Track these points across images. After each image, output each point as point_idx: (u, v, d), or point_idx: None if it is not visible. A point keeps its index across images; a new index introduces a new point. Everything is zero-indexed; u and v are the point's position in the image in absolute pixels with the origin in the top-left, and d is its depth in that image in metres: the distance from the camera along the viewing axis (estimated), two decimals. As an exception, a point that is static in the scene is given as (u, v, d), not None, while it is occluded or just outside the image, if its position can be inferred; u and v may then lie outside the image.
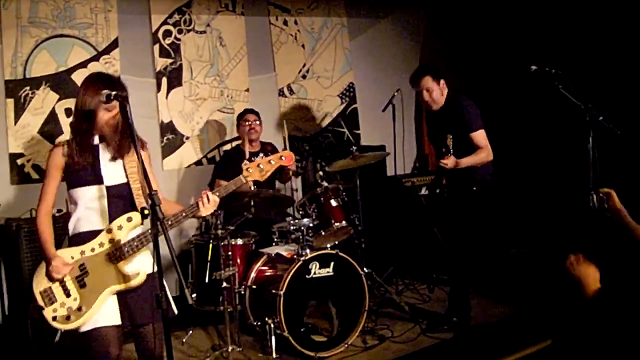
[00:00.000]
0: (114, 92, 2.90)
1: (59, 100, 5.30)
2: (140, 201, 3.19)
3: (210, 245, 4.82)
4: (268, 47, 6.43)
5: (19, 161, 5.13)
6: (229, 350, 4.41)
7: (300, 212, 5.05)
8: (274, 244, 4.97)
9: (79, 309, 3.03)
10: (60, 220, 4.65)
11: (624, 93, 5.49)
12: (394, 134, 5.96)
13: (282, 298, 4.25)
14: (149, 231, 3.00)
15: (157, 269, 2.76)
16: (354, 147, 5.32)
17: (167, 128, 5.81)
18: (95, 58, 5.44)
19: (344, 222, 4.86)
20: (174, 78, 5.84)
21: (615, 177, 4.81)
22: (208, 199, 3.16)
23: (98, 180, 3.15)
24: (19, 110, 5.13)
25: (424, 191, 6.16)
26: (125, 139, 3.17)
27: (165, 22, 5.81)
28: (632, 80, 5.46)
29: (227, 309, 4.44)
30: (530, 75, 4.31)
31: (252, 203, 4.70)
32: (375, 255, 5.77)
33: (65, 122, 5.29)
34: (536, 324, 4.67)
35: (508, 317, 5.05)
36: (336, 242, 4.97)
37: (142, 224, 3.17)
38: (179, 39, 5.87)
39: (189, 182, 5.90)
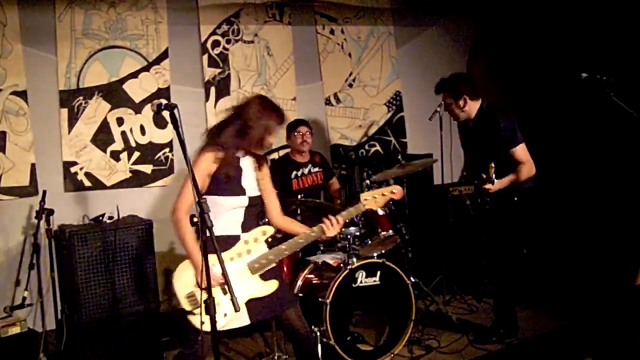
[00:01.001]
0: (164, 103, 2.96)
1: (111, 109, 5.41)
2: (272, 215, 3.62)
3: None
4: (315, 56, 6.47)
5: (72, 169, 5.26)
6: (275, 357, 4.44)
7: (347, 221, 5.03)
8: (320, 252, 4.98)
9: (225, 315, 3.27)
10: (111, 226, 4.77)
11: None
12: (440, 142, 5.92)
13: (328, 306, 4.25)
14: (282, 246, 3.43)
15: (206, 276, 2.81)
16: (401, 156, 5.29)
17: (216, 137, 5.86)
18: (146, 68, 5.55)
19: (390, 231, 4.83)
20: (222, 87, 5.91)
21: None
22: (332, 223, 3.47)
23: (241, 191, 3.41)
24: (73, 120, 5.26)
25: (468, 201, 6.07)
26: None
27: (214, 33, 5.89)
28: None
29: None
30: (581, 83, 4.23)
31: (298, 211, 4.72)
32: (423, 264, 5.73)
33: (116, 130, 5.41)
34: (584, 339, 4.58)
35: (557, 330, 4.96)
36: (383, 251, 4.94)
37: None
38: (227, 49, 5.94)
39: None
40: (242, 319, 3.38)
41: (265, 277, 3.44)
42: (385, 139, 6.80)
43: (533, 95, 5.11)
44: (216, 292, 3.22)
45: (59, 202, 5.03)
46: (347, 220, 3.60)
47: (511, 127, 4.57)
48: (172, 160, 5.62)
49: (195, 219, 2.87)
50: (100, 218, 4.93)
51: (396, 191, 3.62)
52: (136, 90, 5.51)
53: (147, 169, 5.54)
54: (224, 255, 3.25)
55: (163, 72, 5.61)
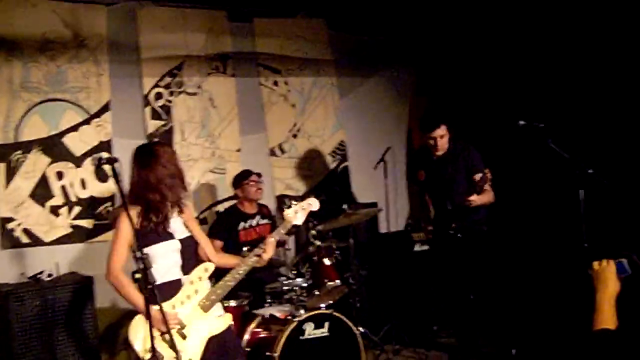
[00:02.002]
0: (105, 156, 2.96)
1: (51, 163, 5.30)
2: (208, 255, 3.70)
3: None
4: (259, 107, 6.49)
5: (9, 225, 5.09)
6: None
7: (294, 272, 5.00)
8: (267, 304, 4.91)
9: None
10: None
11: (615, 144, 5.54)
12: (385, 190, 5.98)
13: (276, 360, 4.17)
14: (226, 279, 3.58)
15: (150, 332, 2.76)
16: (346, 205, 5.31)
17: (159, 189, 5.79)
18: (86, 121, 5.47)
19: (337, 281, 4.81)
20: (166, 140, 5.85)
21: (608, 228, 4.83)
22: (266, 245, 3.68)
23: (169, 236, 3.49)
24: (10, 174, 5.12)
25: (418, 247, 6.11)
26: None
27: (156, 85, 5.86)
28: (623, 132, 5.52)
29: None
30: (519, 130, 4.36)
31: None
32: (372, 314, 5.71)
33: (56, 185, 5.29)
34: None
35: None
36: (330, 302, 4.91)
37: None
38: (170, 101, 5.92)
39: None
40: None
41: (218, 313, 3.57)
42: (330, 188, 6.82)
43: (475, 140, 5.27)
44: (176, 338, 3.23)
45: (-4, 260, 4.87)
46: (278, 239, 3.83)
47: (480, 155, 5.00)
48: (114, 214, 5.51)
49: (137, 275, 2.81)
50: (39, 276, 4.79)
51: (312, 202, 3.97)
52: (77, 143, 5.42)
53: (89, 223, 5.41)
54: (173, 300, 3.38)
55: (104, 125, 5.54)
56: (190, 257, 3.56)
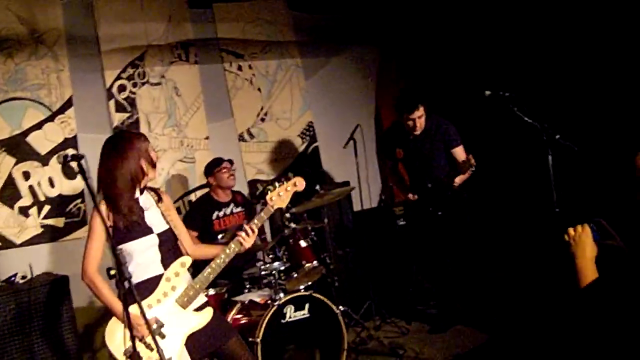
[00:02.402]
0: (71, 154, 2.91)
1: (16, 164, 5.21)
2: (186, 246, 3.56)
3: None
4: (224, 93, 6.44)
5: (-22, 229, 5.01)
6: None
7: (270, 256, 5.00)
8: (246, 290, 4.91)
9: (170, 359, 3.20)
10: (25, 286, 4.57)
11: (581, 109, 5.61)
12: (357, 169, 5.99)
13: (259, 345, 4.18)
14: (205, 272, 3.38)
15: (128, 328, 2.74)
16: (318, 186, 5.31)
17: (129, 183, 5.73)
18: (50, 119, 5.38)
19: (315, 262, 4.82)
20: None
21: (577, 193, 4.90)
22: (247, 232, 3.45)
23: (148, 230, 3.34)
24: (-25, 178, 5.03)
25: (401, 222, 6.14)
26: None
27: (119, 77, 5.78)
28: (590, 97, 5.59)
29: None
30: (486, 100, 4.39)
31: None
32: (352, 292, 5.75)
33: (23, 185, 5.20)
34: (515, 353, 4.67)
35: (487, 344, 5.04)
36: (309, 283, 4.92)
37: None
38: (134, 93, 5.84)
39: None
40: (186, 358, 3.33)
41: (198, 308, 3.43)
42: (301, 170, 6.81)
43: (445, 113, 5.34)
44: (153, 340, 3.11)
45: (-34, 265, 4.79)
46: (260, 225, 3.56)
47: (455, 129, 5.18)
48: (84, 211, 5.44)
49: (112, 272, 2.78)
50: (12, 279, 4.73)
51: (298, 183, 3.70)
52: (41, 141, 5.32)
53: (59, 222, 5.34)
54: (149, 299, 3.27)
55: (68, 121, 5.45)
56: (169, 250, 3.43)
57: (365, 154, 6.33)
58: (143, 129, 5.83)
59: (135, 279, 3.19)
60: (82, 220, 5.41)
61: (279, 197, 3.62)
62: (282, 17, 6.81)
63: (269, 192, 3.67)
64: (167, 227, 3.45)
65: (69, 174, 5.37)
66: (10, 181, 5.18)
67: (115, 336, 3.18)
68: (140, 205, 3.38)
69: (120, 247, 3.15)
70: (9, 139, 5.20)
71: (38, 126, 5.34)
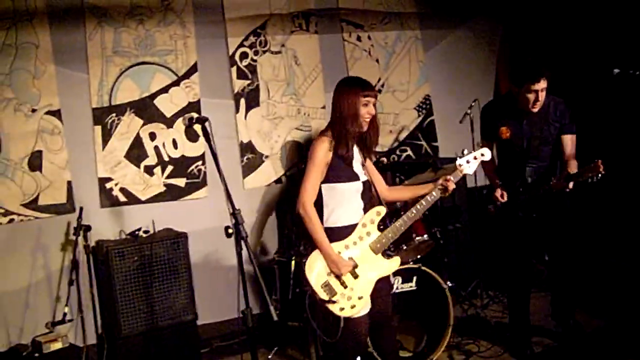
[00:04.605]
0: (196, 116, 3.01)
1: (143, 125, 5.47)
2: (381, 191, 3.86)
3: (293, 262, 4.87)
4: (342, 63, 6.46)
5: (108, 185, 5.33)
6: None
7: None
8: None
9: (360, 297, 3.49)
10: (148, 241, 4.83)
11: None
12: (472, 144, 5.87)
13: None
14: (398, 222, 3.68)
15: (243, 286, 2.84)
16: (433, 160, 5.25)
17: (247, 148, 5.91)
18: (176, 83, 5.61)
19: (425, 235, 4.80)
20: (252, 99, 5.94)
21: None
22: (448, 180, 3.69)
23: (355, 177, 3.62)
24: (106, 136, 5.33)
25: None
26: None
27: (241, 45, 5.93)
28: None
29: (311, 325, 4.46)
30: (614, 79, 4.17)
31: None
32: (460, 268, 5.69)
33: (149, 145, 5.47)
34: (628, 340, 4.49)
35: (600, 330, 4.87)
36: (418, 256, 4.91)
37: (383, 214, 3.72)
38: (255, 60, 5.98)
39: (270, 200, 5.98)
40: (367, 306, 3.62)
41: (388, 255, 3.69)
42: (416, 143, 6.77)
43: (566, 94, 5.03)
44: (347, 278, 3.44)
45: (96, 218, 5.10)
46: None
47: (570, 113, 4.51)
48: (204, 173, 5.66)
49: (230, 230, 2.89)
50: (137, 232, 5.00)
51: (484, 152, 3.87)
52: (167, 105, 5.57)
53: (181, 182, 5.59)
54: (346, 241, 3.53)
55: (193, 86, 5.66)
56: (369, 199, 3.71)
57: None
58: (263, 96, 5.98)
59: (338, 222, 3.53)
60: (203, 181, 5.64)
61: (467, 164, 3.84)
62: (404, -12, 6.73)
63: (458, 159, 3.88)
64: (366, 178, 3.71)
65: (191, 136, 5.60)
66: (137, 141, 5.46)
67: (315, 268, 3.45)
68: (352, 153, 3.62)
69: (327, 185, 3.45)
70: (138, 101, 5.47)
71: (165, 90, 5.57)
